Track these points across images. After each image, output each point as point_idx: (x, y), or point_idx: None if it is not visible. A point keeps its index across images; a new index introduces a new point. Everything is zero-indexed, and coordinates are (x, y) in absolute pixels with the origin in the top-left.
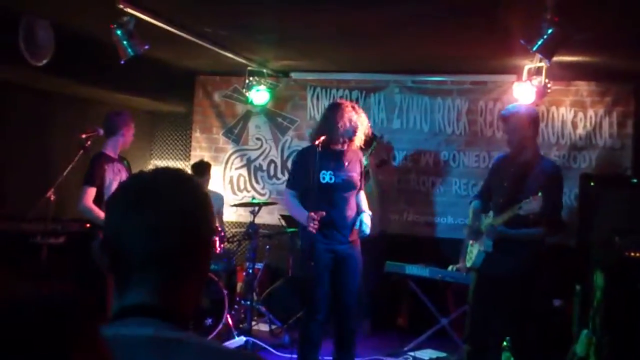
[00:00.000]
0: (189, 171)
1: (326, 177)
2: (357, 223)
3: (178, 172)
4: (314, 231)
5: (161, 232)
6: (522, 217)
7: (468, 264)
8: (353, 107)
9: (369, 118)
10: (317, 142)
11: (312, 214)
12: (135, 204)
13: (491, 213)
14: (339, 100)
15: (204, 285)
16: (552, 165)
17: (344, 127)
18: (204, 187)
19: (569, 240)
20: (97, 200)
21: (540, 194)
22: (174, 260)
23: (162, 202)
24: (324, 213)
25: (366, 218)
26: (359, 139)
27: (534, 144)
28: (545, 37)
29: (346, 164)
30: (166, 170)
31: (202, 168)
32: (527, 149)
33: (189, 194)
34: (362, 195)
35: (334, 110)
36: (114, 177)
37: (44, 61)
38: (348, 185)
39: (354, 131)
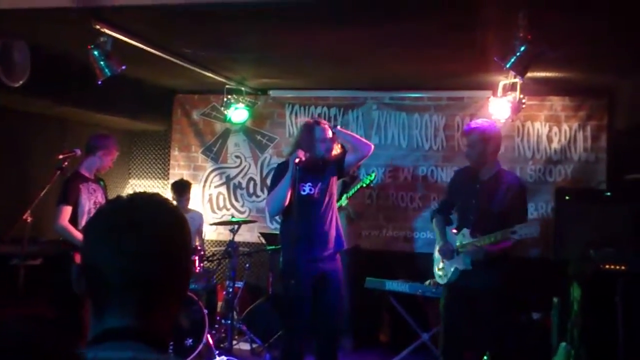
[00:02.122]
0: (169, 190)
1: (306, 189)
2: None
3: (155, 197)
4: (302, 158)
5: (140, 258)
6: (493, 226)
7: (441, 281)
8: (325, 126)
9: None
10: (297, 161)
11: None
12: (113, 229)
13: (465, 231)
14: (311, 120)
15: (182, 306)
16: (515, 179)
17: (321, 146)
18: (180, 210)
19: (546, 253)
20: (72, 220)
21: (534, 220)
22: (152, 284)
23: (140, 228)
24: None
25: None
26: (334, 154)
27: (494, 160)
28: (518, 54)
29: (320, 174)
30: (143, 195)
31: (182, 187)
32: (488, 165)
33: (166, 218)
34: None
35: (309, 131)
36: (89, 197)
37: (21, 82)
38: (324, 195)
39: (329, 149)
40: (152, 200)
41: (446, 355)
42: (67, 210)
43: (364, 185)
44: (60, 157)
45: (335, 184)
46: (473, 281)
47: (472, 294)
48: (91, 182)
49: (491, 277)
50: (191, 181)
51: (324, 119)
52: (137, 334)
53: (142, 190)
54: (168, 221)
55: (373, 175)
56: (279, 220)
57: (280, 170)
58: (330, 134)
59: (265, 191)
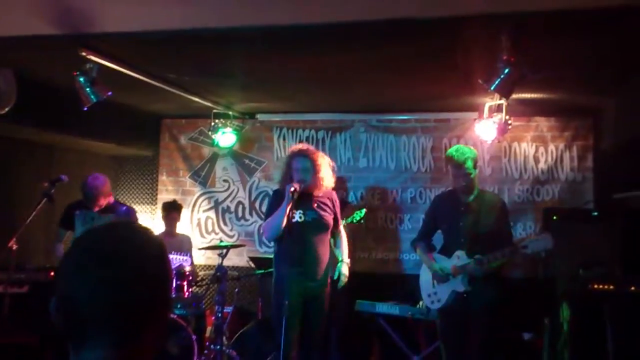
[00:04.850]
0: (159, 211)
1: (296, 215)
2: (335, 273)
3: (131, 226)
4: (297, 188)
5: (116, 289)
6: (485, 245)
7: (434, 306)
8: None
9: (335, 157)
10: (292, 190)
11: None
12: (89, 261)
13: (460, 253)
14: (294, 149)
15: (164, 336)
16: (496, 197)
17: (297, 175)
18: (159, 239)
19: (533, 273)
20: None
21: (542, 233)
22: (130, 315)
23: (116, 259)
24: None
25: (344, 268)
26: (325, 181)
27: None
28: (502, 76)
29: (315, 204)
30: (120, 224)
31: (171, 206)
32: (473, 187)
33: (143, 248)
34: (343, 240)
35: (287, 163)
36: (85, 224)
37: (7, 109)
38: (318, 224)
39: (307, 178)
40: (128, 229)
41: None
42: (59, 233)
43: (354, 221)
44: (46, 184)
45: (331, 219)
46: (469, 302)
47: (467, 314)
48: (92, 212)
49: (487, 297)
50: None
51: (312, 142)
52: None
53: (120, 221)
54: (145, 251)
55: (363, 212)
56: (269, 244)
57: (276, 198)
58: (308, 164)
59: (254, 215)
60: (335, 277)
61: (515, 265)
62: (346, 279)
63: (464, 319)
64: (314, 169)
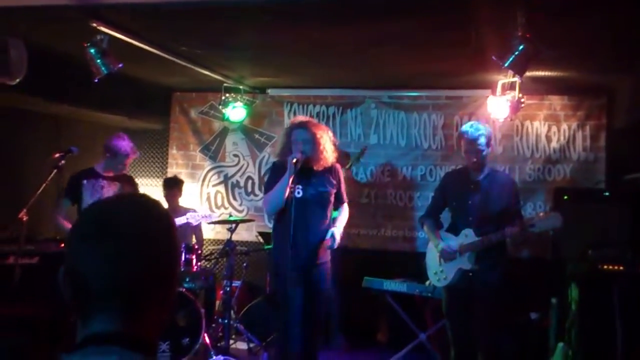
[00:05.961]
0: (163, 187)
1: (294, 191)
2: (329, 233)
3: (139, 199)
4: (299, 158)
5: (121, 261)
6: (494, 224)
7: (441, 284)
8: (305, 125)
9: (346, 133)
10: (294, 161)
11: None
12: (94, 233)
13: (468, 231)
14: (295, 121)
15: (170, 311)
16: (507, 177)
17: (297, 147)
18: (166, 212)
19: (543, 253)
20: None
21: (551, 212)
22: (136, 288)
23: (122, 232)
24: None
25: (337, 231)
26: (326, 154)
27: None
28: (516, 53)
29: (314, 179)
30: (127, 197)
31: (171, 183)
32: (484, 166)
33: (150, 221)
34: (343, 212)
35: (287, 134)
36: (93, 193)
37: (17, 80)
38: (317, 200)
39: (307, 150)
40: (136, 202)
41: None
42: (62, 204)
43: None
44: (56, 155)
45: (332, 194)
46: (475, 281)
47: (472, 293)
48: (103, 179)
49: (493, 276)
50: (189, 180)
51: (323, 117)
52: (122, 338)
53: (128, 192)
54: (152, 224)
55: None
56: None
57: (275, 171)
58: (308, 136)
59: (264, 190)
60: (328, 237)
61: (524, 245)
62: (337, 243)
63: (469, 297)
64: (314, 141)
